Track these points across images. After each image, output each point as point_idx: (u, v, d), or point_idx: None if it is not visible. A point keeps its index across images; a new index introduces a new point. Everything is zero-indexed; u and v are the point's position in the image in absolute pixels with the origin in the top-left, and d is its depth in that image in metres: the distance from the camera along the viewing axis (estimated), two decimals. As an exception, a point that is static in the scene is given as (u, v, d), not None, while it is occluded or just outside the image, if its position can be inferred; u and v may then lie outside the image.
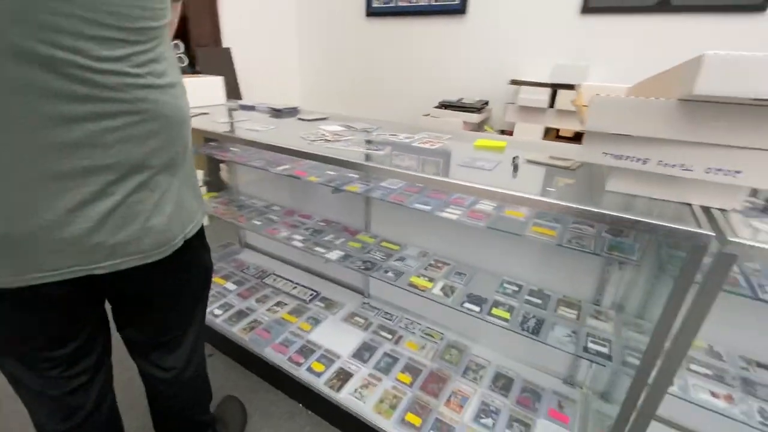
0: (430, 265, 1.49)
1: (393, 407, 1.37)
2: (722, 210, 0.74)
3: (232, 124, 1.59)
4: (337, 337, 1.68)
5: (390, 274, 1.40)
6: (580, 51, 2.79)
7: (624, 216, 0.69)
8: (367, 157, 1.12)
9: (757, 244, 0.61)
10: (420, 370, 1.52)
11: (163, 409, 1.12)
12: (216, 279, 2.00)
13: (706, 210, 0.74)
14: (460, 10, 3.19)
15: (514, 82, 2.81)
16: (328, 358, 1.58)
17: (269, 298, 1.93)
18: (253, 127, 1.50)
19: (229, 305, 1.85)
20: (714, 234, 0.64)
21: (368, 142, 1.31)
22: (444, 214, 1.26)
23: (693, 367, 1.07)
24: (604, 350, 1.10)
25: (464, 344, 1.66)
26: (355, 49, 3.95)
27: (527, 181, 0.96)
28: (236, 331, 1.70)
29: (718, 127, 0.66)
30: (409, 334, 1.71)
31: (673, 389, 0.99)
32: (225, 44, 3.44)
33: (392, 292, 1.87)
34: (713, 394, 0.98)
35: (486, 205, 1.32)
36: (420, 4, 3.37)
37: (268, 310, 1.84)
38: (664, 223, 0.66)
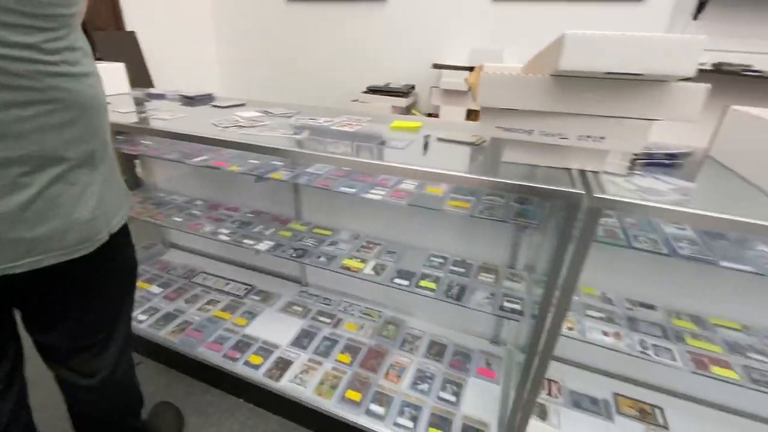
0: (363, 246, 1.52)
1: (333, 387, 1.40)
2: (594, 172, 0.85)
3: (138, 113, 1.47)
4: (275, 328, 1.67)
5: (323, 259, 1.42)
6: (494, 35, 2.96)
7: (507, 182, 0.77)
8: (282, 142, 1.11)
9: (616, 198, 0.72)
10: (359, 349, 1.57)
11: (88, 417, 1.04)
12: (138, 284, 1.87)
13: (582, 173, 0.85)
14: (381, -6, 3.20)
15: (436, 66, 2.91)
16: (266, 349, 1.56)
17: (200, 297, 1.85)
18: (160, 116, 1.41)
19: (155, 309, 1.75)
20: (584, 192, 0.74)
21: (286, 127, 1.29)
22: (369, 196, 1.29)
23: (589, 312, 1.23)
24: (517, 307, 1.22)
25: (401, 319, 1.73)
26: (278, 35, 3.80)
27: (436, 158, 1.02)
28: (165, 335, 1.61)
29: (584, 99, 0.76)
30: (348, 316, 1.75)
31: (573, 333, 1.14)
32: (129, 28, 3.13)
33: (330, 278, 1.88)
34: (605, 333, 1.14)
35: (408, 185, 1.37)
36: (341, -13, 3.32)
37: (199, 309, 1.77)
38: (543, 186, 0.75)
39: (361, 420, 1.29)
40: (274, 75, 4.02)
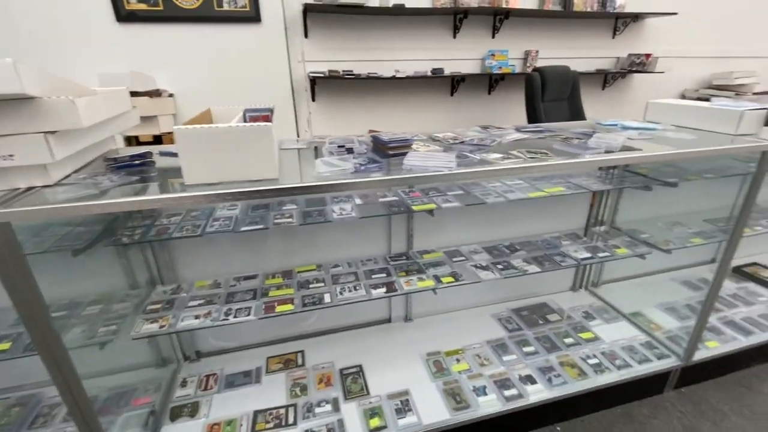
0: None
1: None
2: (32, 188, 0.88)
3: None
4: None
5: None
6: (125, 58, 2.84)
7: None
8: None
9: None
10: None
11: None
12: None
13: (31, 189, 0.87)
14: None
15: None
16: None
17: None
18: None
19: None
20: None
21: None
22: None
23: (190, 304, 1.33)
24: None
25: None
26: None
27: None
28: None
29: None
30: None
31: (164, 329, 1.21)
32: None
33: None
34: (196, 317, 1.26)
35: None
36: None
37: None
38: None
39: None
40: None
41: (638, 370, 1.57)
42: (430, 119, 3.77)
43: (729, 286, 2.15)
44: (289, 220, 1.31)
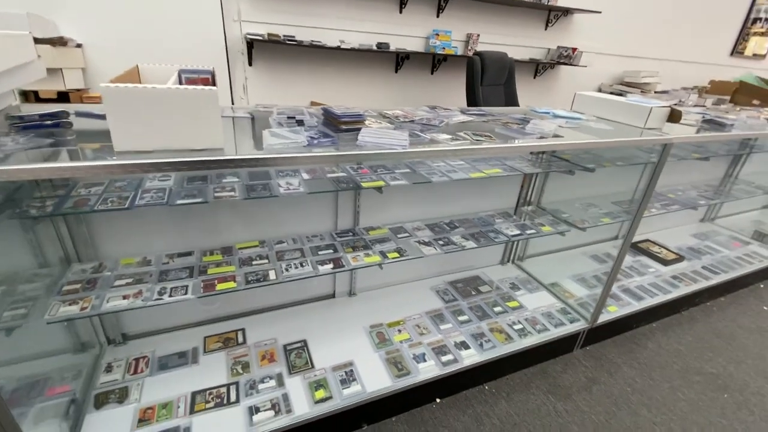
0: None
1: None
2: None
3: None
4: None
5: None
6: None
7: None
8: None
9: None
10: None
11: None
12: None
13: None
14: None
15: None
16: None
17: None
18: None
19: None
20: None
21: None
22: None
23: (117, 283, 1.22)
24: None
25: None
26: None
27: None
28: None
29: None
30: None
31: (86, 311, 1.10)
32: None
33: None
34: (125, 297, 1.16)
35: None
36: None
37: None
38: None
39: None
40: None
41: (554, 333, 1.78)
42: (375, 96, 3.73)
43: (627, 259, 2.50)
44: (231, 193, 1.24)
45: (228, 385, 1.37)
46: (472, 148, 1.10)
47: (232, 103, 3.25)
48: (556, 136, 1.35)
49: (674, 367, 1.91)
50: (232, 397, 1.33)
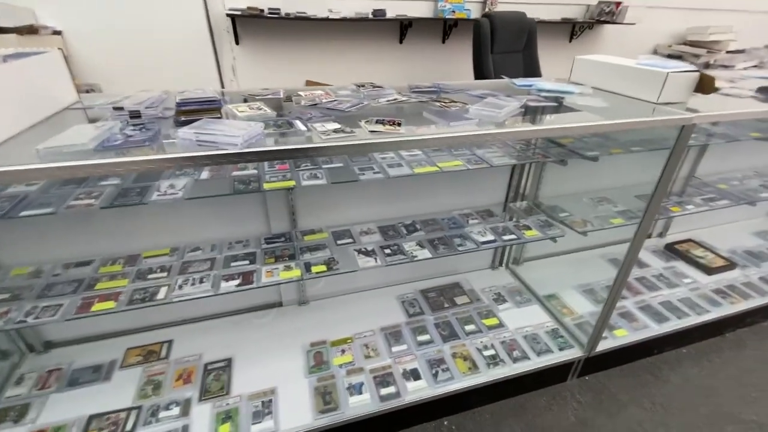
0: None
1: None
2: None
3: None
4: None
5: None
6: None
7: None
8: None
9: None
10: None
11: None
12: None
13: None
14: None
15: None
16: None
17: None
18: None
19: None
20: None
21: None
22: None
23: None
24: None
25: None
26: None
27: None
28: None
29: None
30: None
31: None
32: None
33: None
34: None
35: None
36: None
37: None
38: None
39: None
40: None
41: (535, 362, 1.45)
42: (378, 70, 3.39)
43: (657, 265, 2.03)
44: (91, 201, 1.04)
45: (129, 410, 1.23)
46: (340, 145, 0.79)
47: (222, 87, 3.09)
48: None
49: (701, 410, 1.49)
50: (129, 425, 1.18)
